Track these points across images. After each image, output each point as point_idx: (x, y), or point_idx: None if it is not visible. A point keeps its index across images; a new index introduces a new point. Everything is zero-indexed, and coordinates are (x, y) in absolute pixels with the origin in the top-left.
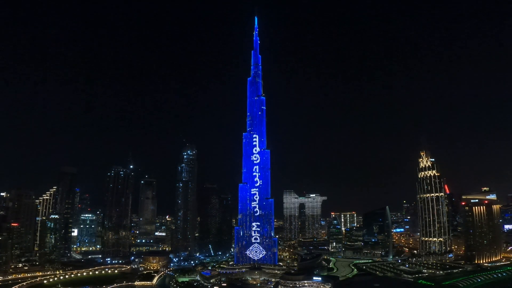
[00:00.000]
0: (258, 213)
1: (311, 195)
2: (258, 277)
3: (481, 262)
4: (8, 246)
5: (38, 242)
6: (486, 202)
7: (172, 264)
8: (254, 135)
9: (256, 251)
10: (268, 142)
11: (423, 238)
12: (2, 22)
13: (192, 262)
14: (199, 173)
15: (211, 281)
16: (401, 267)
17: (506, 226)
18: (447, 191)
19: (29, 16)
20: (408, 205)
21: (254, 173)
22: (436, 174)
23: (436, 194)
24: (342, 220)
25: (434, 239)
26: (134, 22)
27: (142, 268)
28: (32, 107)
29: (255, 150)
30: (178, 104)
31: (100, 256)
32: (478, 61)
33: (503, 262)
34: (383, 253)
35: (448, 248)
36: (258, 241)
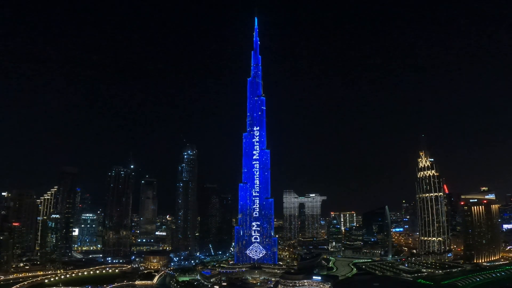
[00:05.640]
0: (258, 213)
1: (311, 195)
2: (258, 276)
3: (480, 261)
4: (9, 245)
5: (39, 242)
6: (485, 201)
7: (172, 264)
8: (254, 135)
9: (256, 251)
10: (268, 142)
11: (422, 238)
12: (2, 22)
13: (192, 261)
14: (199, 173)
15: (211, 280)
16: (401, 266)
17: (505, 226)
18: (446, 191)
19: (29, 16)
20: (407, 204)
21: (254, 173)
22: (435, 174)
23: (435, 194)
24: (342, 219)
25: (433, 238)
26: (134, 23)
27: (143, 268)
28: (33, 107)
29: (255, 150)
30: (178, 104)
31: (101, 255)
32: (478, 61)
33: (502, 261)
34: (382, 252)
35: (447, 248)
36: (258, 240)
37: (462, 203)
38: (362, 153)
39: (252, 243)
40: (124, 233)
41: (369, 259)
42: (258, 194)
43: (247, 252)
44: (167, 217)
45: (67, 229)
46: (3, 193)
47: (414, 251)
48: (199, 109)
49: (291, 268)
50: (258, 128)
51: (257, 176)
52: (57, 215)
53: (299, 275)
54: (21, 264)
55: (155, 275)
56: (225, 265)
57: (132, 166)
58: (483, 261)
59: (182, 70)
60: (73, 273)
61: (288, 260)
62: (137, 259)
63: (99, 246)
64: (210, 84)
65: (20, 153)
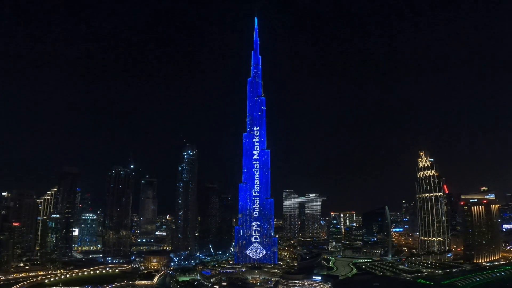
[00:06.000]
0: (258, 213)
1: (311, 195)
2: (258, 276)
3: (480, 261)
4: (10, 245)
5: (39, 242)
6: (485, 201)
7: (172, 264)
8: (254, 135)
9: (256, 251)
10: (268, 142)
11: (422, 238)
12: (2, 22)
13: (192, 261)
14: (199, 173)
15: (211, 280)
16: (401, 266)
17: (505, 226)
18: (446, 191)
19: (29, 16)
20: (407, 204)
21: (254, 173)
22: (435, 174)
23: (435, 193)
24: (342, 219)
25: (433, 238)
26: (134, 23)
27: (143, 268)
28: (33, 107)
29: (255, 150)
30: (178, 104)
31: (101, 255)
32: (478, 61)
33: (502, 261)
34: (382, 252)
35: (447, 248)
36: (258, 240)
37: (462, 203)
38: (362, 153)
39: (252, 243)
40: (124, 233)
41: (369, 259)
42: (258, 194)
43: (247, 252)
44: (167, 217)
45: (67, 229)
46: (3, 193)
47: (414, 251)
48: (199, 109)
49: (291, 268)
50: (258, 128)
51: (257, 176)
52: (57, 215)
53: (299, 275)
54: (21, 264)
55: (155, 275)
56: (225, 265)
57: (132, 166)
58: (483, 261)
59: (182, 70)
60: (73, 273)
61: (288, 260)
62: (137, 259)
63: (99, 246)
64: (210, 84)
65: (20, 153)
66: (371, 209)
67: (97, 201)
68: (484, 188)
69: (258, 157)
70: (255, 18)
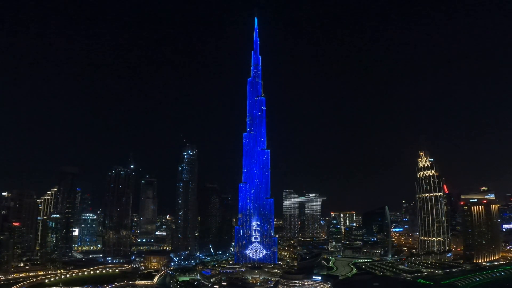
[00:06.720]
0: (258, 213)
1: (311, 195)
2: (258, 276)
3: (480, 261)
4: (10, 245)
5: (39, 242)
6: (485, 201)
7: (172, 264)
8: (254, 135)
9: (256, 251)
10: (268, 142)
11: (422, 238)
12: (2, 21)
13: (192, 261)
14: (200, 173)
15: (211, 280)
16: (400, 266)
17: (505, 226)
18: (446, 191)
19: (29, 14)
20: (407, 204)
21: (254, 173)
22: (435, 174)
23: (435, 193)
24: (342, 219)
25: (433, 238)
26: (134, 22)
27: (143, 267)
28: (33, 107)
29: (255, 150)
30: (178, 104)
31: (101, 255)
32: (478, 60)
33: (502, 261)
34: (382, 252)
35: (447, 248)
36: (258, 240)
37: (462, 203)
38: (362, 153)
39: (252, 243)
40: (124, 233)
41: (369, 259)
42: (258, 194)
43: (247, 252)
44: (167, 217)
45: (67, 229)
46: (3, 193)
47: (414, 251)
48: (199, 109)
49: (291, 268)
50: (258, 128)
51: (257, 176)
52: (57, 215)
53: (299, 275)
54: (21, 264)
55: (155, 275)
56: (225, 265)
57: (132, 166)
58: (483, 261)
59: (182, 70)
60: (73, 273)
61: (288, 260)
62: (137, 259)
63: (99, 246)
64: (210, 84)
65: (20, 153)
66: (371, 209)
67: (97, 201)
68: (484, 188)
69: (258, 157)
70: (255, 18)
